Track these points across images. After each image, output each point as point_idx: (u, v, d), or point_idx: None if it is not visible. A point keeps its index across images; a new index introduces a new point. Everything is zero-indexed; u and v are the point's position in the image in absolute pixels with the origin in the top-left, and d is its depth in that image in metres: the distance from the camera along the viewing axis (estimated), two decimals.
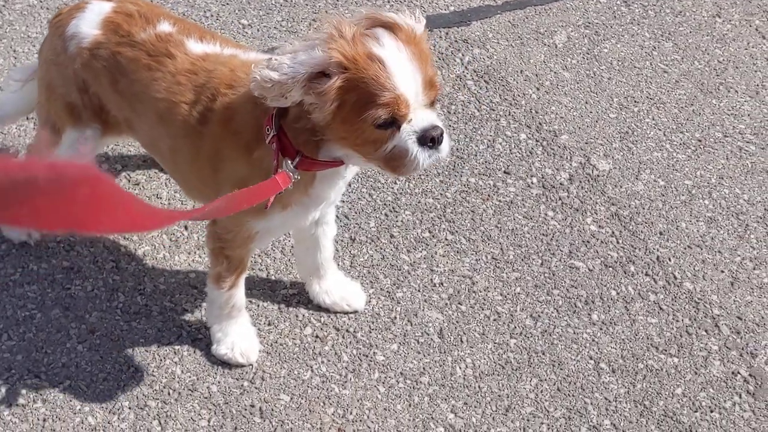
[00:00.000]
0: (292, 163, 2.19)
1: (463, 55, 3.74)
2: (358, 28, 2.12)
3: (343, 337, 2.80)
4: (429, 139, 2.10)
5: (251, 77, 2.13)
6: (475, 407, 2.67)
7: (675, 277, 3.05)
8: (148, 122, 2.46)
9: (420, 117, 2.11)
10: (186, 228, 3.01)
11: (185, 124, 2.38)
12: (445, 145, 2.15)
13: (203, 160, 2.40)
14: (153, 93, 2.39)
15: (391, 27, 2.13)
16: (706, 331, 2.91)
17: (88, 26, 2.51)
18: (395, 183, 3.21)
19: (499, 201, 3.23)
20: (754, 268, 3.11)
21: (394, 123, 2.09)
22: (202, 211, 1.98)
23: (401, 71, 2.07)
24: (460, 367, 2.76)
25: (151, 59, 2.40)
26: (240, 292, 2.64)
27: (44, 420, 2.54)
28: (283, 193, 2.20)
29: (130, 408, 2.58)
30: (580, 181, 3.31)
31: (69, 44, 2.53)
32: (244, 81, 2.25)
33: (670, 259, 3.10)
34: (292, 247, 2.97)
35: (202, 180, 2.46)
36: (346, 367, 2.73)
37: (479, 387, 2.72)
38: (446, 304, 2.91)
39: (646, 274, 3.05)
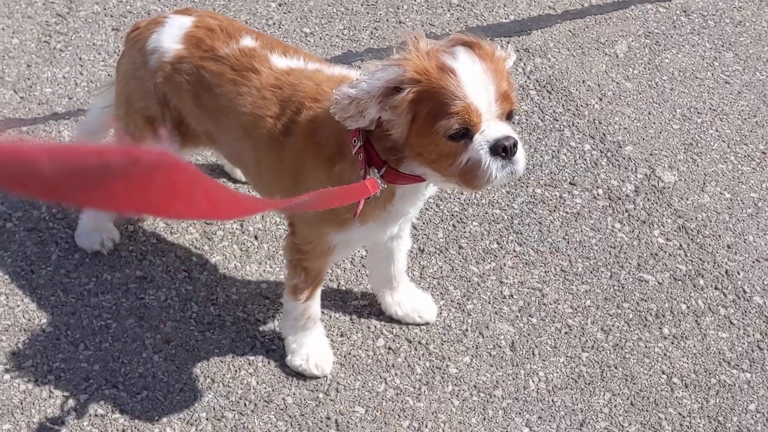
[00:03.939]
0: (378, 171, 2.19)
1: (525, 64, 3.73)
2: (436, 44, 2.12)
3: (416, 349, 2.80)
4: (501, 149, 2.07)
5: (332, 98, 2.14)
6: (550, 422, 2.67)
7: (744, 291, 3.03)
8: (233, 136, 2.47)
9: (493, 128, 2.09)
10: (256, 238, 3.03)
11: (270, 137, 2.38)
12: (520, 158, 2.12)
13: (285, 172, 2.41)
14: (238, 107, 2.40)
15: (471, 45, 2.13)
16: None
17: (170, 41, 2.51)
18: (462, 193, 3.21)
19: (566, 212, 3.22)
20: None
21: (466, 134, 2.07)
22: (291, 202, 1.95)
23: (473, 81, 2.05)
24: (533, 381, 2.76)
25: (235, 74, 2.41)
26: (316, 304, 2.65)
27: (123, 431, 2.55)
28: (364, 206, 2.21)
29: (207, 419, 2.60)
30: (646, 193, 3.30)
31: (149, 58, 2.53)
32: (329, 95, 2.26)
33: (738, 273, 3.08)
34: (362, 257, 2.98)
35: (284, 192, 2.46)
36: (419, 380, 2.73)
37: (553, 401, 2.72)
38: (517, 316, 2.91)
39: (716, 288, 3.04)
